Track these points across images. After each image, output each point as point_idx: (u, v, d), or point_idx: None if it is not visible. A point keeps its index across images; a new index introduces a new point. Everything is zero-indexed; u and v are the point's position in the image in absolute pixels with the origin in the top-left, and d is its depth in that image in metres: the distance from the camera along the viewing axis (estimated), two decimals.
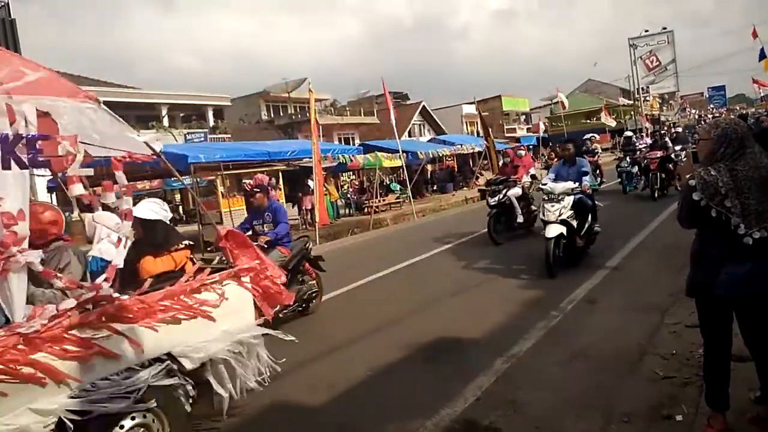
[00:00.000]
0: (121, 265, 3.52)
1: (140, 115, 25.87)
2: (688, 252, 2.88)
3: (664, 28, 45.17)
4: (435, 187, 26.68)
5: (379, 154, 19.42)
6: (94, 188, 3.65)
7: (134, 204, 3.46)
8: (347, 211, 21.40)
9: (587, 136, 18.56)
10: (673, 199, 11.18)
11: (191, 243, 3.86)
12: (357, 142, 30.47)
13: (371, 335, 5.45)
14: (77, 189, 2.86)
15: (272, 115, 32.42)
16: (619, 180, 15.35)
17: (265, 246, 5.83)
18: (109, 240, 4.13)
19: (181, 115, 28.83)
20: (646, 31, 44.89)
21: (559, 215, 6.78)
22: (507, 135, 41.86)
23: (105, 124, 3.13)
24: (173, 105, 26.97)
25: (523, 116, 50.92)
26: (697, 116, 63.23)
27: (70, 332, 2.65)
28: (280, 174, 15.72)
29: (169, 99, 26.59)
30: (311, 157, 14.05)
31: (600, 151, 18.63)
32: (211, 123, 28.27)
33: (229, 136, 27.64)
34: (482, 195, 16.04)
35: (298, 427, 3.80)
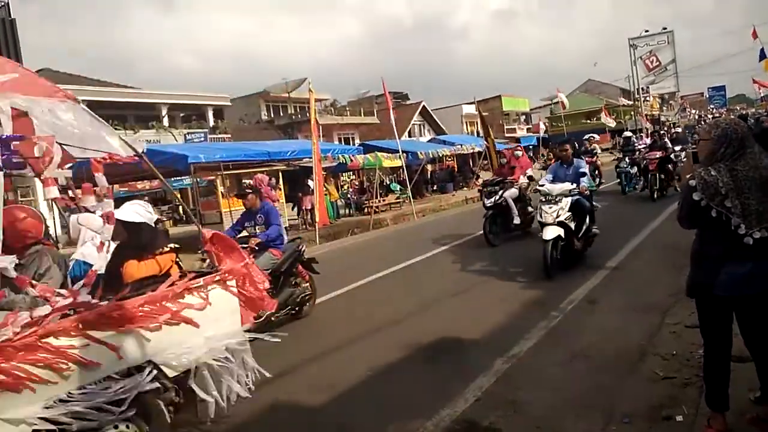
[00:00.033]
0: (103, 271, 3.48)
1: (140, 115, 25.90)
2: (688, 252, 2.88)
3: (664, 28, 45.21)
4: (435, 187, 26.70)
5: (379, 154, 19.43)
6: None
7: (118, 206, 3.40)
8: (347, 211, 21.40)
9: (587, 136, 18.53)
10: (673, 200, 11.16)
11: (177, 246, 3.74)
12: (357, 142, 30.47)
13: (371, 335, 5.44)
14: (53, 192, 2.78)
15: (272, 115, 32.42)
16: (618, 181, 15.29)
17: (256, 248, 5.75)
18: (93, 243, 4.04)
19: (181, 115, 28.84)
20: (646, 31, 44.94)
21: (557, 217, 6.71)
22: (507, 135, 41.84)
23: (85, 124, 3.04)
24: (173, 105, 26.97)
25: (523, 116, 50.90)
26: (697, 116, 63.22)
27: (43, 340, 2.55)
28: (280, 174, 15.72)
29: (169, 99, 26.59)
30: (311, 157, 14.06)
31: (599, 151, 18.56)
32: (211, 123, 28.26)
33: (229, 136, 27.64)
34: (481, 195, 15.98)
35: (298, 427, 3.80)
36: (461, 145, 26.77)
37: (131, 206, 3.69)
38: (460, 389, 3.86)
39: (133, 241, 3.63)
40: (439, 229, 12.73)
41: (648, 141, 15.72)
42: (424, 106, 38.77)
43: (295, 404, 4.07)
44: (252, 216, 6.27)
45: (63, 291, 3.04)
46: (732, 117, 4.33)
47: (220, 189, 15.34)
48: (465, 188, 25.81)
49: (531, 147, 44.17)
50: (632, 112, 46.57)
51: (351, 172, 24.43)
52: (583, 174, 7.23)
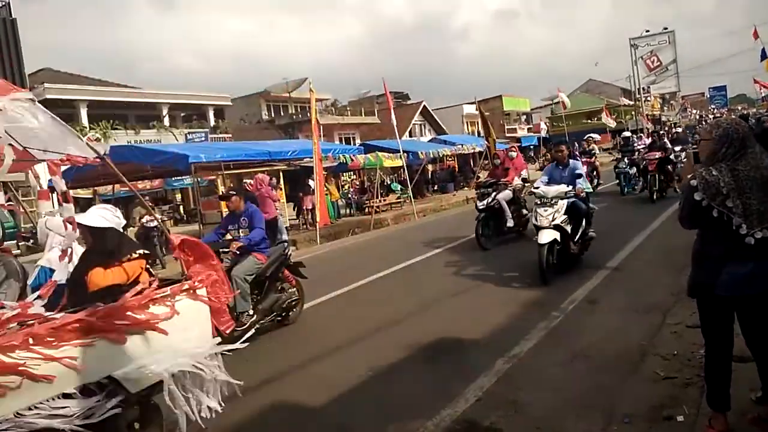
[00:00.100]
0: (64, 281, 3.33)
1: (141, 114, 25.93)
2: (688, 253, 2.88)
3: (665, 29, 45.13)
4: (436, 187, 26.69)
5: (379, 154, 19.43)
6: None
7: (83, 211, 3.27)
8: (348, 211, 21.41)
9: (586, 136, 18.48)
10: (672, 202, 11.16)
11: (146, 252, 3.53)
12: (358, 141, 30.49)
13: (372, 335, 5.44)
14: None
15: (273, 115, 32.45)
16: (617, 181, 15.17)
17: (238, 252, 5.59)
18: (61, 249, 3.89)
19: (182, 114, 28.89)
20: (647, 31, 44.85)
21: (553, 220, 6.52)
22: (508, 135, 41.84)
23: (48, 125, 2.92)
24: (174, 105, 27.01)
25: (524, 116, 50.90)
26: (698, 116, 63.17)
27: None
28: (281, 174, 15.73)
29: (170, 99, 26.62)
30: (312, 157, 14.06)
31: (598, 152, 18.47)
32: (212, 123, 28.30)
33: (230, 135, 27.68)
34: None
35: (298, 427, 3.80)
36: (462, 145, 26.77)
37: (97, 210, 3.48)
38: (460, 389, 3.86)
39: (98, 247, 3.43)
40: (439, 230, 12.73)
41: (647, 141, 15.53)
42: (424, 106, 38.77)
43: (296, 404, 4.07)
44: (236, 219, 6.02)
45: (12, 303, 2.86)
46: (733, 117, 4.32)
47: (221, 189, 15.35)
48: (466, 188, 25.79)
49: (532, 147, 44.34)
50: (633, 112, 46.55)
51: (352, 172, 24.43)
52: (579, 175, 7.06)
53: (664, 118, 55.14)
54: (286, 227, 13.09)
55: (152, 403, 3.11)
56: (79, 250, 3.78)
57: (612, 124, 39.73)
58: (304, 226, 16.59)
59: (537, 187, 7.06)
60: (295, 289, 6.24)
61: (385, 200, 21.05)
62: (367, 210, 19.01)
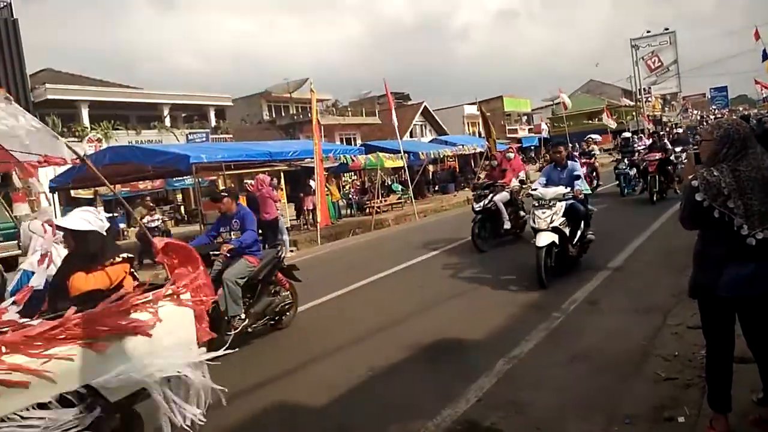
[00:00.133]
0: (41, 286, 3.24)
1: (142, 115, 25.96)
2: (689, 254, 2.88)
3: (666, 29, 45.11)
4: (436, 188, 26.69)
5: (380, 154, 19.43)
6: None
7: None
8: (349, 211, 21.41)
9: (587, 137, 18.46)
10: (673, 203, 11.15)
11: (130, 256, 3.43)
12: (359, 142, 30.50)
13: (372, 336, 5.44)
14: None
15: (274, 116, 32.48)
16: (617, 182, 15.09)
17: (228, 255, 5.49)
18: (41, 253, 3.82)
19: (183, 115, 28.92)
20: (648, 31, 44.83)
21: (551, 222, 6.40)
22: (509, 136, 41.86)
23: (28, 125, 2.87)
24: (175, 105, 27.04)
25: (525, 117, 50.91)
26: (699, 117, 63.16)
27: None
28: (282, 174, 15.73)
29: (171, 99, 26.66)
30: (313, 158, 14.06)
31: (597, 152, 18.42)
32: (213, 123, 28.33)
33: (231, 136, 27.72)
34: None
35: (299, 428, 3.80)
36: (463, 145, 26.76)
37: (80, 213, 3.39)
38: (461, 390, 3.85)
39: (80, 250, 3.34)
40: (440, 230, 12.73)
41: (647, 142, 15.42)
42: (425, 106, 38.80)
43: (296, 405, 4.06)
44: (227, 221, 5.89)
45: None
46: (734, 118, 4.32)
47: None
48: (466, 189, 25.76)
49: (533, 147, 44.34)
50: (634, 113, 46.54)
51: (352, 173, 24.43)
52: (578, 177, 6.93)
53: (665, 119, 55.09)
54: (287, 227, 13.10)
55: (134, 411, 3.01)
56: (64, 253, 3.69)
57: (612, 125, 39.70)
58: (305, 227, 16.59)
59: (535, 189, 6.95)
60: (288, 292, 6.12)
61: (385, 201, 21.04)
62: (367, 210, 19.01)
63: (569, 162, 7.26)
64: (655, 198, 12.35)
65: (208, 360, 3.16)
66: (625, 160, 14.85)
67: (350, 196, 23.08)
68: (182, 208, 26.33)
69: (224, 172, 13.15)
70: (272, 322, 5.90)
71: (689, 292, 2.87)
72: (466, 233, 10.63)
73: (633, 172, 14.47)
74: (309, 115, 19.30)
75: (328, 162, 16.50)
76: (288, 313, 6.08)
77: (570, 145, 20.71)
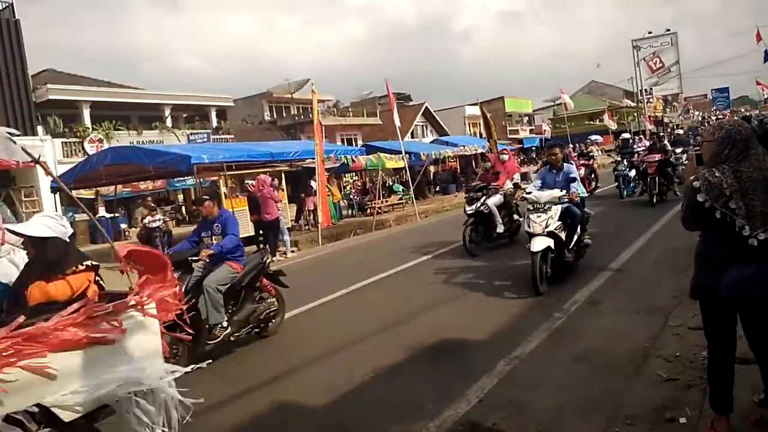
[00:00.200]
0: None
1: (143, 115, 26.01)
2: (690, 255, 2.88)
3: (668, 30, 45.04)
4: (437, 188, 26.68)
5: (381, 155, 19.44)
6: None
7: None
8: (350, 212, 21.41)
9: (588, 138, 18.45)
10: (673, 205, 11.13)
11: (96, 264, 3.23)
12: (360, 143, 30.53)
13: (372, 336, 5.44)
14: None
15: (275, 116, 32.53)
16: (616, 184, 14.88)
17: (208, 260, 5.30)
18: (10, 259, 3.72)
19: (185, 115, 28.96)
20: (650, 32, 44.75)
21: (546, 227, 6.20)
22: (510, 136, 41.86)
23: None
24: (176, 105, 27.07)
25: (526, 117, 50.91)
26: (700, 118, 63.13)
27: None
28: (283, 175, 15.74)
29: (173, 100, 26.69)
30: (314, 158, 14.08)
31: (596, 153, 18.36)
32: (214, 123, 28.36)
33: (232, 136, 27.74)
34: None
35: (299, 428, 3.80)
36: (464, 146, 26.76)
37: (40, 219, 3.24)
38: (462, 390, 3.85)
39: (40, 257, 3.17)
40: (441, 231, 12.72)
41: (647, 143, 15.16)
42: (426, 107, 38.82)
43: (297, 405, 4.07)
44: (209, 225, 5.71)
45: None
46: (736, 119, 4.32)
47: (223, 190, 15.37)
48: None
49: (534, 148, 44.32)
50: (635, 114, 46.51)
51: (354, 173, 24.45)
52: (574, 179, 6.70)
53: (666, 120, 55.08)
54: (288, 228, 13.11)
55: (95, 430, 2.79)
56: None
57: (613, 125, 39.71)
58: (306, 227, 16.60)
59: (529, 192, 6.73)
60: (274, 299, 5.90)
61: (386, 201, 21.03)
62: (368, 211, 19.01)
63: (565, 164, 7.02)
64: (654, 200, 12.14)
65: (176, 372, 2.96)
66: (625, 162, 14.69)
67: (351, 196, 23.07)
68: (183, 208, 26.36)
69: (225, 173, 13.17)
70: (257, 330, 5.72)
71: (691, 292, 2.87)
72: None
73: (632, 173, 14.26)
74: (310, 115, 19.30)
75: (329, 162, 16.52)
76: (274, 321, 5.89)
77: (570, 145, 20.70)
